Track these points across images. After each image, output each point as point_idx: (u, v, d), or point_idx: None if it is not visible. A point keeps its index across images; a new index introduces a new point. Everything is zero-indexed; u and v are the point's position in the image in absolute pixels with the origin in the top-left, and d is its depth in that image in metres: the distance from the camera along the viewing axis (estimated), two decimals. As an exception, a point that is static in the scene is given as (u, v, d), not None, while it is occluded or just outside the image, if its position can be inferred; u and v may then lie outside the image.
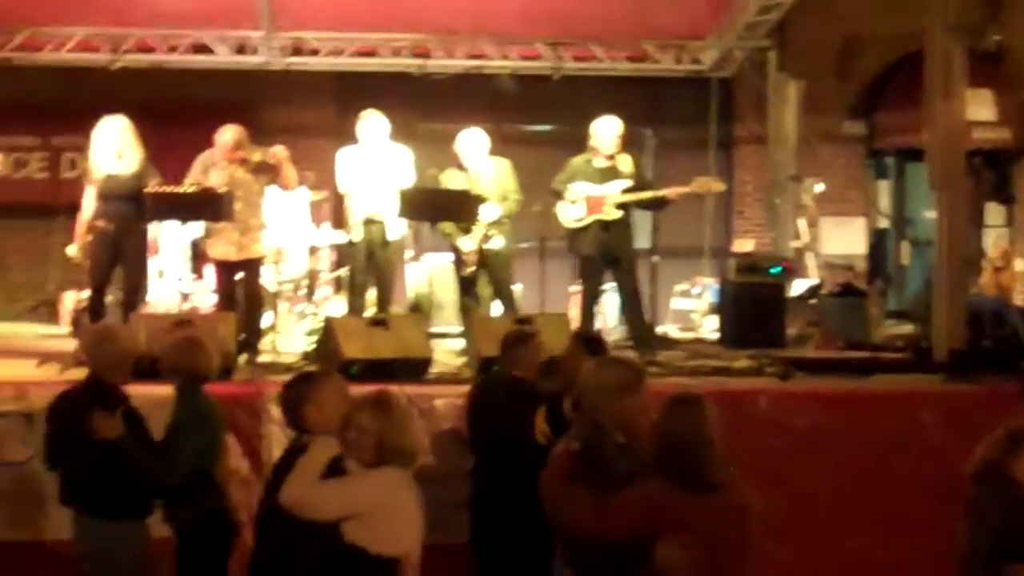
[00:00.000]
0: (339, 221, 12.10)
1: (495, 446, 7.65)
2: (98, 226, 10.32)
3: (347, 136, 11.67)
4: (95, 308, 10.50)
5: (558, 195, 11.20)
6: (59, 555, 8.28)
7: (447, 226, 11.06)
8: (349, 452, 5.52)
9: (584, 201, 11.06)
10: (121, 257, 10.42)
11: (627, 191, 11.05)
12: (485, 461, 7.79)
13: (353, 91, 15.47)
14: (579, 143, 11.53)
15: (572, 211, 11.13)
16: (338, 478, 5.49)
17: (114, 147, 10.34)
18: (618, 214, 11.08)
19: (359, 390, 5.97)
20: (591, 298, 11.38)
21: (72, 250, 10.50)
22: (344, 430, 5.53)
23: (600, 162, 11.16)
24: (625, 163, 11.15)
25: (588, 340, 7.80)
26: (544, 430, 7.20)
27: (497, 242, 10.98)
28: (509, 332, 8.24)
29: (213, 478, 6.93)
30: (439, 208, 10.81)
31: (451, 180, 11.10)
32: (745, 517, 5.39)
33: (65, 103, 12.61)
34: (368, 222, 11.02)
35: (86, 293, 10.68)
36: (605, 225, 11.06)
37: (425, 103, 15.36)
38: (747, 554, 5.40)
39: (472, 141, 11.19)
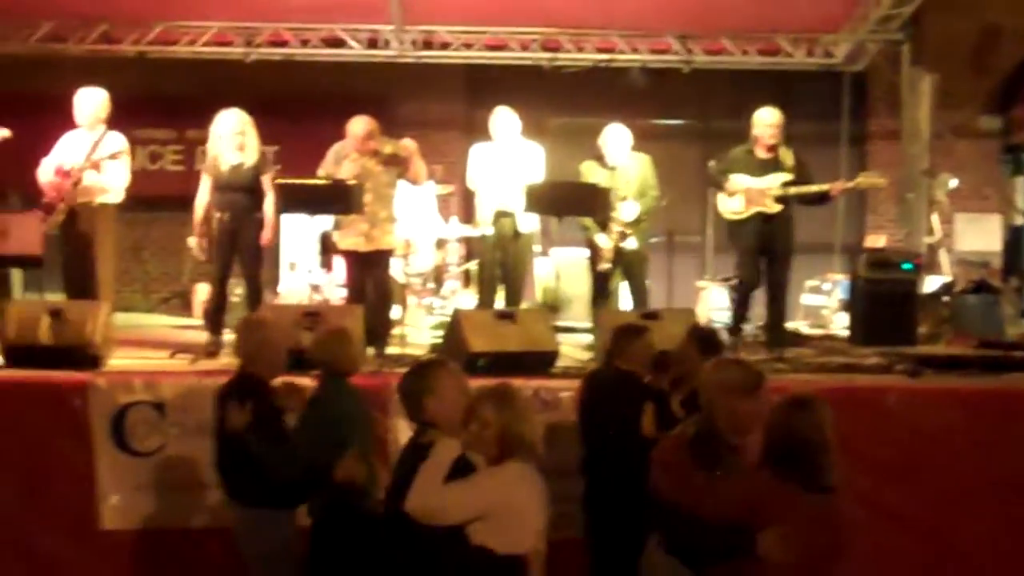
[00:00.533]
0: (468, 215, 12.15)
1: (602, 440, 7.62)
2: (216, 217, 10.44)
3: (476, 130, 11.72)
4: (218, 299, 10.62)
5: (717, 185, 11.05)
6: (203, 542, 8.48)
7: (586, 221, 11.05)
8: (471, 446, 5.53)
9: (743, 193, 10.86)
10: (238, 249, 10.51)
11: (788, 184, 10.84)
12: (594, 455, 7.74)
13: (482, 85, 15.53)
14: (709, 137, 11.49)
15: (731, 203, 10.96)
16: (462, 480, 5.48)
17: (236, 140, 10.44)
18: (778, 207, 10.85)
19: (484, 383, 5.96)
20: (747, 291, 11.14)
21: (192, 242, 10.61)
22: (466, 423, 5.54)
23: (761, 153, 10.95)
24: (787, 155, 10.92)
25: (703, 337, 7.72)
26: (651, 427, 7.18)
27: (632, 243, 10.96)
28: (620, 326, 8.16)
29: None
30: (565, 202, 10.75)
31: (591, 174, 11.11)
32: (847, 525, 5.37)
33: (199, 96, 12.80)
34: (500, 216, 11.08)
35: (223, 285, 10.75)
36: (766, 218, 10.84)
37: (554, 97, 15.37)
38: (841, 561, 5.35)
39: (617, 136, 11.17)
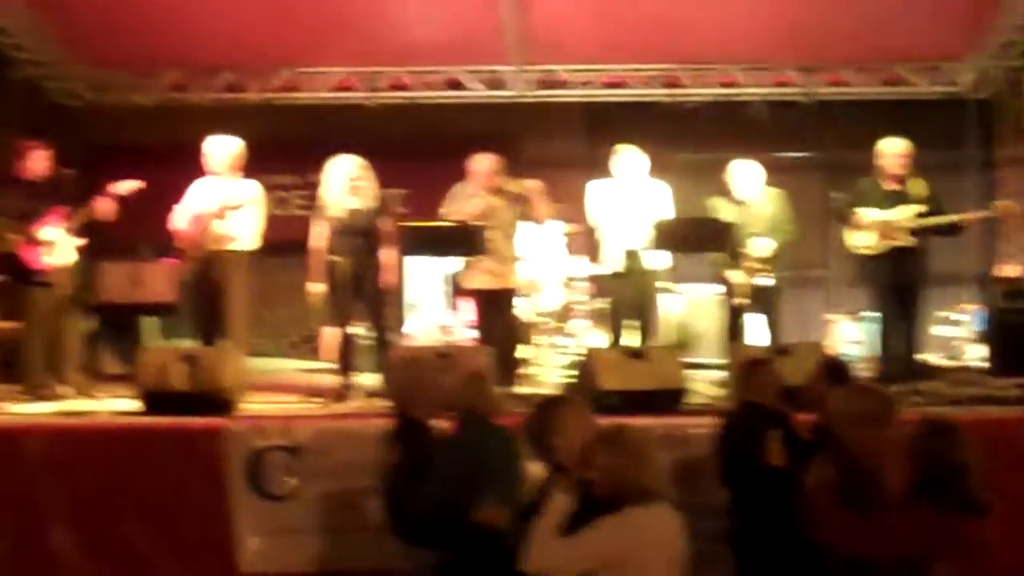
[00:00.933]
0: (595, 253, 12.14)
1: (736, 474, 7.54)
2: (336, 262, 10.52)
3: (599, 168, 11.69)
4: (345, 343, 10.68)
5: (843, 219, 10.93)
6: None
7: (718, 257, 10.99)
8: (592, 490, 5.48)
9: (874, 227, 10.73)
10: (360, 292, 10.59)
11: (921, 216, 10.68)
12: (733, 492, 7.65)
13: (603, 123, 15.48)
14: (831, 168, 11.35)
15: (862, 237, 10.84)
16: (578, 533, 5.42)
17: (351, 184, 10.56)
18: (912, 240, 10.69)
19: (614, 421, 5.94)
20: (889, 326, 10.92)
21: (313, 287, 10.71)
22: (582, 469, 5.49)
23: (889, 185, 10.81)
24: (917, 186, 10.74)
25: (832, 367, 7.69)
26: (779, 453, 7.11)
27: (767, 279, 10.90)
28: (745, 359, 8.17)
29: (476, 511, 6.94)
30: (693, 238, 10.73)
31: (719, 209, 11.05)
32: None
33: (323, 141, 12.91)
34: (628, 253, 11.03)
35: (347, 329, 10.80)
36: (901, 251, 10.69)
37: (674, 133, 15.27)
38: None
39: (744, 172, 11.12)
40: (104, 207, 10.61)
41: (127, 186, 10.65)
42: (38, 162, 10.90)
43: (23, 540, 8.62)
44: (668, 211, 11.09)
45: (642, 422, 7.74)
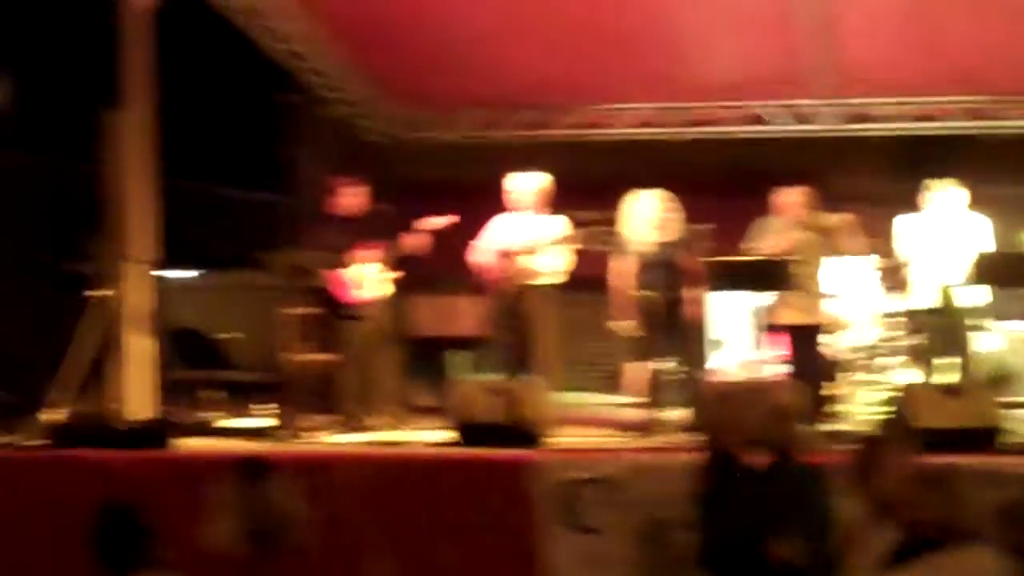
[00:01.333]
0: (905, 288, 11.93)
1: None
2: (642, 296, 10.53)
3: (904, 202, 11.51)
4: (652, 377, 10.67)
5: None
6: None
7: None
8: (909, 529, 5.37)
9: None
10: (666, 326, 10.57)
11: None
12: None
13: (909, 156, 15.20)
14: None
15: None
16: (894, 573, 5.31)
17: (655, 219, 10.60)
18: None
19: (928, 461, 5.84)
20: None
21: (616, 323, 10.75)
22: (901, 509, 5.39)
23: None
24: None
25: None
26: None
27: None
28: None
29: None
30: (1013, 273, 10.45)
31: None
32: None
33: (622, 177, 13.02)
34: (942, 288, 10.80)
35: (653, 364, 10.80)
36: None
37: (983, 166, 14.89)
38: None
39: None
40: (416, 242, 10.86)
41: (439, 221, 10.88)
42: (352, 199, 11.24)
43: (339, 565, 8.83)
44: (989, 245, 10.81)
45: (958, 460, 7.60)
